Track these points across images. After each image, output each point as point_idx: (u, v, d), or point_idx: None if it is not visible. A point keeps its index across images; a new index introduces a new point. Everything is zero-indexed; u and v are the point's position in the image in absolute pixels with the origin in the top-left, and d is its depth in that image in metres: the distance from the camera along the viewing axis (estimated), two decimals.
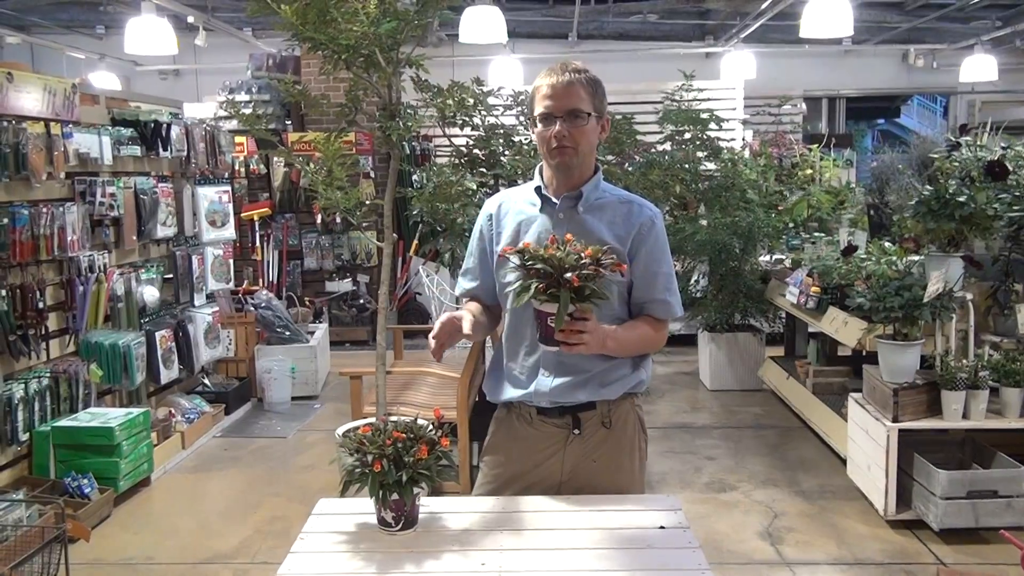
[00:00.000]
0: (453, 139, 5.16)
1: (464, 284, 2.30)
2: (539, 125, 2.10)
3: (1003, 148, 4.34)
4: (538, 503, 2.10)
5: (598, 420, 2.15)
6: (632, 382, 2.17)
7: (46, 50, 9.73)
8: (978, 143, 4.33)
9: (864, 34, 9.81)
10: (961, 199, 3.94)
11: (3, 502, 3.61)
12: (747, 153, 7.47)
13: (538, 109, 2.09)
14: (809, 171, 7.43)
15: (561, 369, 2.12)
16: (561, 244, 1.89)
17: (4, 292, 4.04)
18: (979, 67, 8.72)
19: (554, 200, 2.15)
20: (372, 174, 8.07)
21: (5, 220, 4.03)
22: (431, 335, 2.05)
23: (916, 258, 4.31)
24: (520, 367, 2.17)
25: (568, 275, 1.81)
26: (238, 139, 7.82)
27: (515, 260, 1.89)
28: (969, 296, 4.09)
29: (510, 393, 2.19)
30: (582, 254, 1.85)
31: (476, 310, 2.20)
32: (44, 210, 4.26)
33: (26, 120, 4.19)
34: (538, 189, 2.18)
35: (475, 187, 4.60)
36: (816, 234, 6.32)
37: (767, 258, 6.71)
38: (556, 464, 2.17)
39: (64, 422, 4.31)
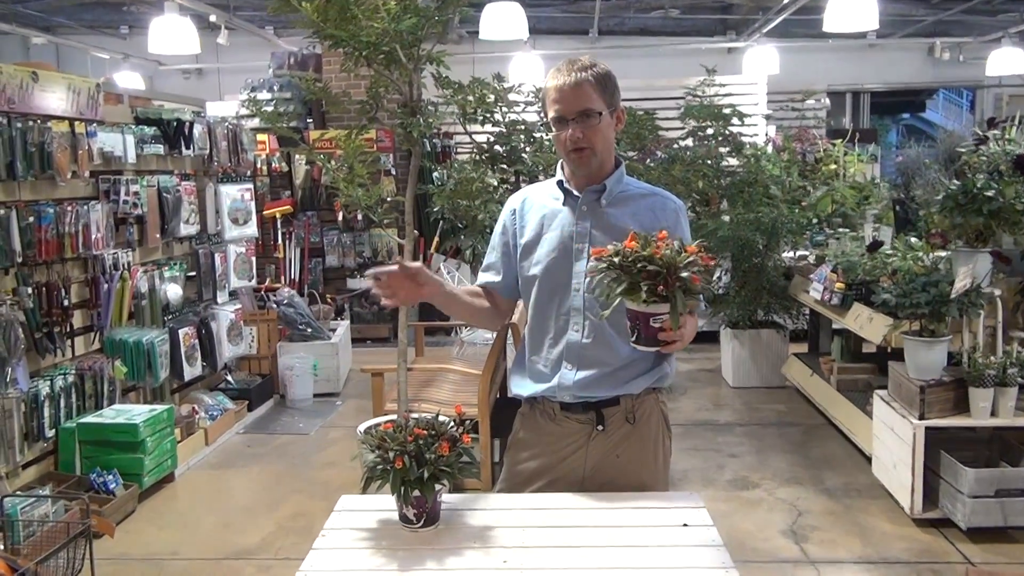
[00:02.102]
0: (474, 136, 5.15)
1: (485, 277, 2.29)
2: (553, 128, 2.10)
3: None
4: (560, 500, 2.09)
5: (622, 416, 2.14)
6: (655, 376, 2.16)
7: (71, 50, 9.82)
8: (1006, 137, 4.26)
9: (889, 27, 9.67)
10: (989, 193, 3.88)
11: (30, 498, 3.64)
12: (770, 148, 7.41)
13: (550, 113, 2.09)
14: (833, 166, 7.34)
15: (584, 362, 2.11)
16: (652, 241, 1.85)
17: (30, 290, 4.08)
18: (1006, 60, 8.59)
19: (576, 194, 2.14)
20: (393, 171, 8.08)
21: (31, 218, 4.06)
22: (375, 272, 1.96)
23: (943, 254, 4.25)
24: (544, 360, 2.17)
25: (685, 274, 1.78)
26: (260, 137, 7.84)
27: (615, 262, 1.84)
28: (997, 292, 4.02)
29: (533, 388, 2.18)
30: (685, 250, 1.83)
31: (468, 292, 2.25)
32: (69, 208, 4.30)
33: (51, 119, 4.23)
34: (560, 183, 2.17)
35: (496, 183, 4.59)
36: (840, 230, 6.25)
37: (790, 254, 6.65)
38: (579, 460, 2.16)
39: (89, 419, 4.35)
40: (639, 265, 1.81)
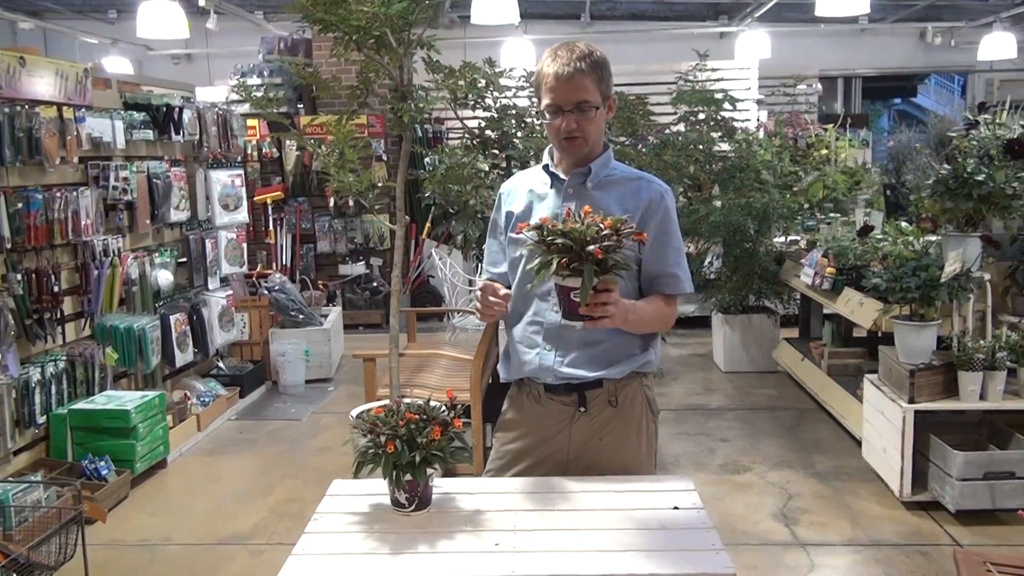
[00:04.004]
0: (465, 121, 5.13)
1: (492, 269, 2.32)
2: (547, 115, 2.09)
3: (1022, 126, 4.28)
4: (551, 484, 2.10)
5: (604, 398, 2.15)
6: (640, 361, 2.17)
7: (59, 35, 9.74)
8: (997, 121, 4.27)
9: (880, 12, 9.67)
10: (980, 178, 3.89)
11: (21, 484, 3.64)
12: (762, 133, 7.41)
13: (545, 100, 2.08)
14: (824, 151, 7.36)
15: (562, 342, 2.12)
16: (579, 217, 1.87)
17: (19, 276, 4.06)
18: (998, 45, 8.61)
19: (563, 177, 2.16)
20: (384, 157, 8.06)
21: (19, 204, 4.04)
22: (479, 302, 2.09)
23: (933, 238, 4.26)
24: (527, 340, 2.17)
25: (591, 247, 1.79)
26: (250, 122, 7.82)
27: (534, 236, 1.87)
28: (987, 276, 4.04)
29: (518, 370, 2.20)
30: (602, 225, 1.83)
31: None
32: (58, 194, 4.27)
33: (39, 104, 4.19)
34: (546, 167, 2.19)
35: (487, 169, 4.57)
36: (831, 215, 6.27)
37: (782, 239, 6.66)
38: (563, 441, 2.17)
39: (81, 405, 4.34)
40: (549, 238, 1.83)
